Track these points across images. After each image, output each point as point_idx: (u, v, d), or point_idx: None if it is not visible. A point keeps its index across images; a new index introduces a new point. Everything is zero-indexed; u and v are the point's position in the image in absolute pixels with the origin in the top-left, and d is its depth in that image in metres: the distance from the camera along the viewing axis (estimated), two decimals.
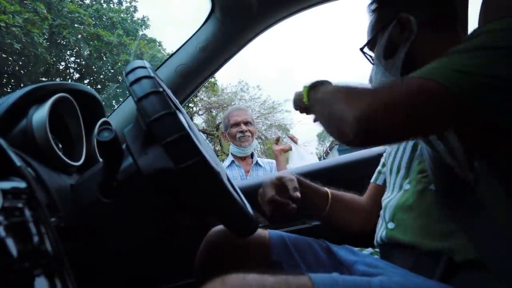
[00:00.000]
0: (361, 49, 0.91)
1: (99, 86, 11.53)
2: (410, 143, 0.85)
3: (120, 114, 1.27)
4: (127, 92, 0.70)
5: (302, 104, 0.93)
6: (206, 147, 0.76)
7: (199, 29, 1.25)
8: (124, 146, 0.68)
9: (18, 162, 0.47)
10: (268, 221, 1.29)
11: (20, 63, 9.93)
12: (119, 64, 10.80)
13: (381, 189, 0.97)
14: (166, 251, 1.17)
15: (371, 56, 0.91)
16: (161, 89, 0.58)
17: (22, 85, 9.63)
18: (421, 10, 0.79)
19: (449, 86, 0.55)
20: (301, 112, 0.98)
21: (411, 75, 0.61)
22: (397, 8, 0.81)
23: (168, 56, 1.29)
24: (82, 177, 0.71)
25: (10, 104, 0.67)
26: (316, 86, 0.83)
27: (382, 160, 1.04)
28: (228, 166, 2.37)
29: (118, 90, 10.86)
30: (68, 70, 11.70)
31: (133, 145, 0.66)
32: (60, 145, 0.77)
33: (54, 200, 0.58)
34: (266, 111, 12.93)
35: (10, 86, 10.32)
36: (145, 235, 0.69)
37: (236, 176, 2.30)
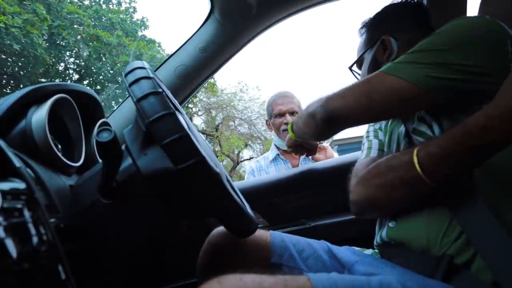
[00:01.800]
0: (350, 68, 1.06)
1: (98, 87, 11.52)
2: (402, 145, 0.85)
3: (119, 115, 1.27)
4: (126, 93, 0.70)
5: (293, 143, 1.19)
6: (205, 147, 0.76)
7: (198, 29, 1.24)
8: (123, 147, 0.67)
9: (17, 163, 0.47)
10: (268, 222, 1.29)
11: (20, 64, 9.93)
12: (119, 65, 10.79)
13: None
14: (168, 252, 1.17)
15: (358, 74, 1.05)
16: (160, 90, 0.58)
17: (21, 86, 9.61)
18: (401, 33, 0.92)
19: (387, 71, 0.73)
20: (298, 153, 1.28)
21: None
22: (381, 31, 0.94)
23: (167, 57, 1.29)
24: (81, 178, 0.71)
25: (10, 105, 0.67)
26: (295, 121, 1.04)
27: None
28: (273, 160, 2.14)
29: (117, 91, 10.86)
30: (67, 71, 11.69)
31: (132, 145, 0.66)
32: (60, 146, 0.77)
33: (53, 201, 0.58)
34: (266, 111, 12.89)
35: (9, 87, 10.32)
36: (145, 236, 0.69)
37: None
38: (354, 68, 1.07)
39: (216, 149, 12.55)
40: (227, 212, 0.63)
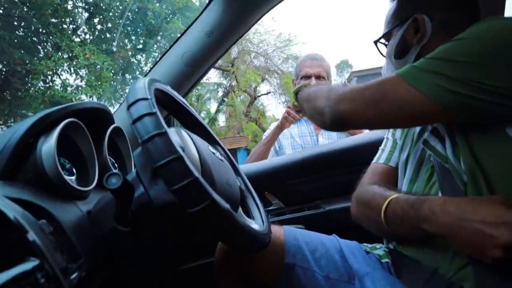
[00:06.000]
0: (375, 42, 0.94)
1: (109, 25, 11.23)
2: (417, 153, 0.82)
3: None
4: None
5: (295, 107, 1.21)
6: (214, 161, 0.74)
7: (203, 11, 1.15)
8: (134, 172, 0.68)
9: (32, 237, 0.48)
10: (283, 204, 1.31)
11: (28, 4, 9.66)
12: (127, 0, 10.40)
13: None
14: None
15: (384, 45, 0.94)
16: (163, 130, 0.56)
17: (32, 28, 9.43)
18: (439, 10, 0.79)
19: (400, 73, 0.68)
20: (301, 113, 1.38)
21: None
22: (415, 7, 0.82)
23: (172, 43, 1.21)
24: (98, 203, 0.72)
25: (18, 138, 0.66)
26: (300, 90, 1.04)
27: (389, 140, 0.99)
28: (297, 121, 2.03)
29: (128, 28, 10.57)
30: (76, 10, 11.33)
31: (143, 173, 0.66)
32: (74, 170, 0.78)
33: (74, 246, 0.60)
34: (282, 44, 12.38)
35: (21, 29, 10.16)
36: (163, 257, 0.72)
37: (305, 133, 2.01)
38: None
39: (233, 84, 12.41)
40: (239, 243, 0.65)
